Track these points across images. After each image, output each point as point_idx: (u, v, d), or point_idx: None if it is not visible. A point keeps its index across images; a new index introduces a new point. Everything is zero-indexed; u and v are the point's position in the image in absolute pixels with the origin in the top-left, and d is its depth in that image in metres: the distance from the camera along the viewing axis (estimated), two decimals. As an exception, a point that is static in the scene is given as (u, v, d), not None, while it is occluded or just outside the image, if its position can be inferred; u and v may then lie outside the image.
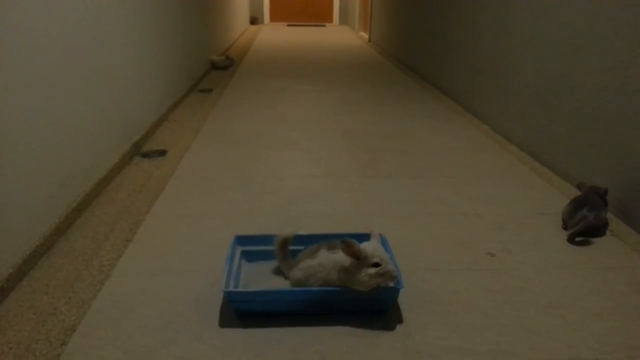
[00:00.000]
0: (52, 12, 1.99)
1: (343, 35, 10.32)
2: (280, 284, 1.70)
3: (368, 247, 1.51)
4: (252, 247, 1.80)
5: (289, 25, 12.43)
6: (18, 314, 1.54)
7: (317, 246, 1.62)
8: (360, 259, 1.48)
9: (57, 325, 1.50)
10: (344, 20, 12.92)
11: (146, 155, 2.93)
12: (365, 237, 1.60)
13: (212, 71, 5.63)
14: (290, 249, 1.71)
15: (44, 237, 1.87)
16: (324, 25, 12.62)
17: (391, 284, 1.56)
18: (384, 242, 1.72)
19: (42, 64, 1.91)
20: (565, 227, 2.08)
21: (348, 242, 1.47)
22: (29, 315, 1.54)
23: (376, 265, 1.48)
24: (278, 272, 1.74)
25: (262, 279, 1.72)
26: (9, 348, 1.40)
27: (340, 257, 1.51)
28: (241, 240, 1.80)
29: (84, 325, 1.50)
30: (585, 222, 1.98)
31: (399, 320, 1.54)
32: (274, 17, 13.13)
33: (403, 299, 1.60)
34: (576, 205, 2.06)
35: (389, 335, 1.48)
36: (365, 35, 9.35)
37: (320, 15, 13.14)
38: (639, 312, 1.59)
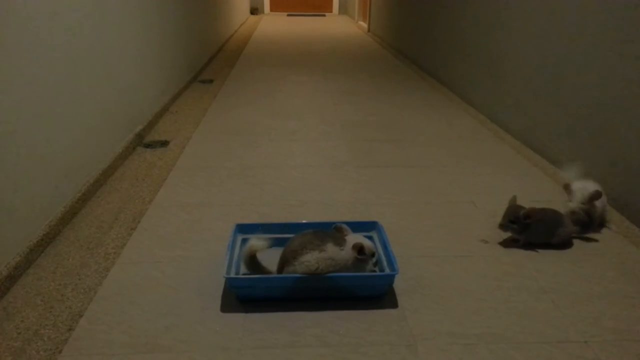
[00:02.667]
0: (55, 4, 2.01)
1: (342, 25, 10.29)
2: (279, 270, 1.74)
3: (364, 241, 1.61)
4: (252, 235, 1.82)
5: (289, 15, 12.40)
6: (26, 301, 1.59)
7: (321, 239, 1.58)
8: (366, 255, 1.58)
9: (64, 311, 1.54)
10: (344, 10, 12.88)
11: (149, 145, 2.97)
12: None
13: (216, 62, 5.65)
14: (275, 236, 1.74)
15: (50, 226, 1.91)
16: (324, 15, 12.58)
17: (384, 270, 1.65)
18: (380, 230, 1.79)
19: (45, 55, 1.93)
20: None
21: (358, 244, 1.57)
22: (36, 301, 1.58)
23: (372, 255, 1.62)
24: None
25: (262, 265, 1.77)
26: (17, 333, 1.45)
27: (347, 254, 1.58)
28: (242, 228, 1.84)
29: (90, 311, 1.54)
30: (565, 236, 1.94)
31: (394, 305, 1.58)
32: (274, 7, 13.09)
33: (398, 285, 1.65)
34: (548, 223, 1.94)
35: (384, 319, 1.52)
36: (365, 25, 9.33)
37: (320, 5, 13.10)
38: (627, 297, 1.64)
